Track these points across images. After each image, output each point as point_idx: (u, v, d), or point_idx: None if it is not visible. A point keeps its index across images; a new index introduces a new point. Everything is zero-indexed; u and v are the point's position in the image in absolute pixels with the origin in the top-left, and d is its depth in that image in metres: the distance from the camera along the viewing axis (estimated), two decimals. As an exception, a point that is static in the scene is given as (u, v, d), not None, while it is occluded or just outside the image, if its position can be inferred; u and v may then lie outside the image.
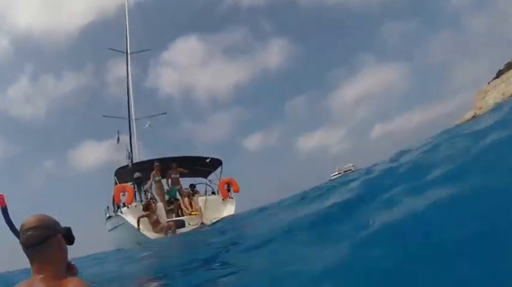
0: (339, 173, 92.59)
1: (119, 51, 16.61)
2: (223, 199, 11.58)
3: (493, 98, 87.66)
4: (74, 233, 1.69)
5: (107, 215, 13.24)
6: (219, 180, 12.03)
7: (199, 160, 12.23)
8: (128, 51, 16.38)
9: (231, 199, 11.58)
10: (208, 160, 12.16)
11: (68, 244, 1.70)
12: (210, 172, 12.84)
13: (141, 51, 17.12)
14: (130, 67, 16.20)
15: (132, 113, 15.65)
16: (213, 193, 12.14)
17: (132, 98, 15.90)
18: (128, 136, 15.35)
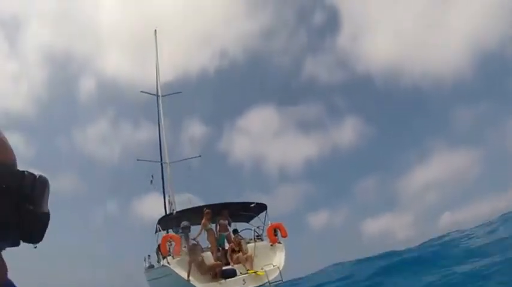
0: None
1: (150, 93, 17.03)
2: (271, 245, 11.22)
3: None
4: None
5: (147, 264, 13.07)
6: (267, 225, 11.70)
7: (244, 205, 12.01)
8: (159, 94, 16.77)
9: (280, 245, 11.18)
10: (252, 205, 11.92)
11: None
12: (252, 217, 12.56)
13: (170, 93, 17.42)
14: (163, 111, 16.50)
15: (166, 157, 15.65)
16: (259, 237, 11.77)
17: (164, 141, 16.03)
18: (166, 181, 15.31)
